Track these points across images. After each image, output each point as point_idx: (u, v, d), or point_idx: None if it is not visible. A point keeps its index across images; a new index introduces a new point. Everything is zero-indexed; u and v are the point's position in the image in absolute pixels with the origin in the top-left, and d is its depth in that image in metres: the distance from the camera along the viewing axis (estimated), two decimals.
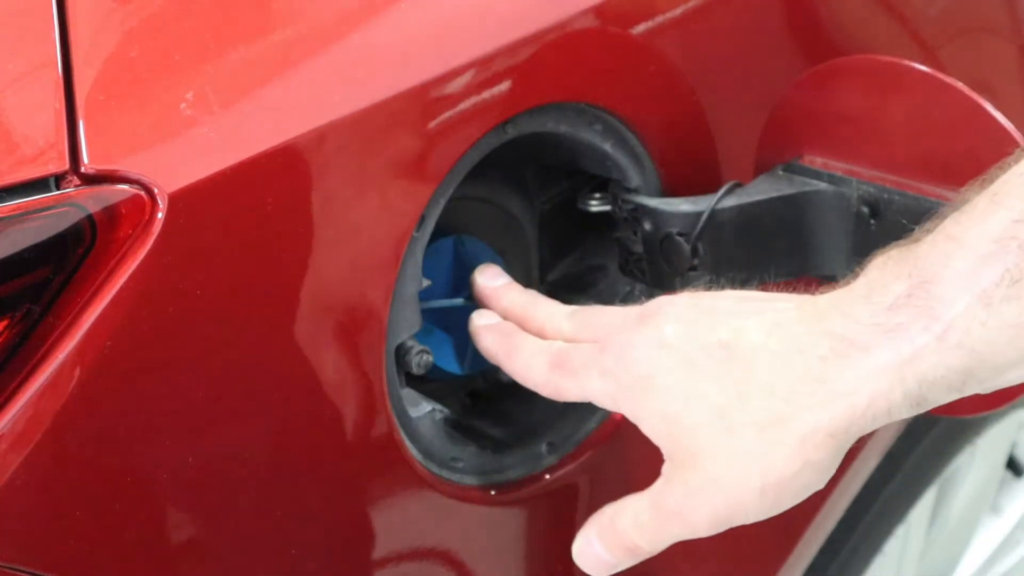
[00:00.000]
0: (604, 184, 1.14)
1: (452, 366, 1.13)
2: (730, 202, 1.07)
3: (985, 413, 1.38)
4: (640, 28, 1.07)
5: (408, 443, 1.02)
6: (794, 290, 0.96)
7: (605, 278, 1.19)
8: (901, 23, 1.28)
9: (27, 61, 0.87)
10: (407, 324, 1.00)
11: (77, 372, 0.83)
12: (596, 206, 1.14)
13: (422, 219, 0.98)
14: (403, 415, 1.02)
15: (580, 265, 1.20)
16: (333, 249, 0.92)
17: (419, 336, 1.03)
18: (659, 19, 1.08)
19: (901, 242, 0.85)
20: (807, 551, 1.33)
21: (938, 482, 1.54)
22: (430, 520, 1.05)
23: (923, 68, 1.04)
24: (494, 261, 1.15)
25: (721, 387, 0.87)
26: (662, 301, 0.94)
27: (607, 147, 1.08)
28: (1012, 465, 1.80)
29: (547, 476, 1.11)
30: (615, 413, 1.13)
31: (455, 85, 0.96)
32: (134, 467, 0.87)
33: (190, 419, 0.88)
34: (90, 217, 0.82)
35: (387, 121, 0.93)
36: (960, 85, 1.02)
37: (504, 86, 0.99)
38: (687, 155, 1.13)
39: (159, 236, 0.84)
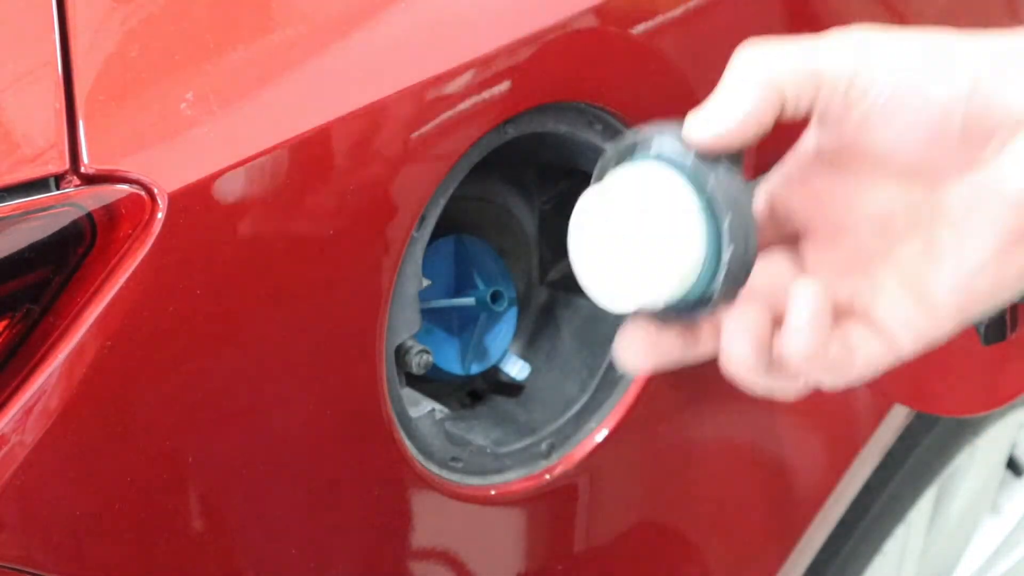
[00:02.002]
0: None
1: (452, 366, 1.13)
2: None
3: (985, 413, 1.38)
4: (640, 28, 1.07)
5: (408, 443, 1.02)
6: None
7: None
8: (901, 23, 1.28)
9: (27, 61, 0.87)
10: (407, 324, 1.00)
11: (77, 372, 0.83)
12: None
13: (422, 219, 0.98)
14: (403, 415, 1.02)
15: None
16: (333, 249, 0.92)
17: (419, 336, 1.03)
18: (659, 19, 1.08)
19: None
20: (807, 551, 1.33)
21: (938, 482, 1.54)
22: (430, 520, 1.05)
23: None
24: (494, 261, 1.15)
25: None
26: None
27: (607, 147, 1.08)
28: (1012, 465, 1.80)
29: (547, 476, 1.11)
30: (615, 411, 1.14)
31: (455, 85, 0.96)
32: (134, 467, 0.87)
33: (190, 419, 0.88)
34: (90, 217, 0.82)
35: (387, 121, 0.93)
36: None
37: (504, 86, 0.99)
38: None
39: (159, 236, 0.84)
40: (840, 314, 0.75)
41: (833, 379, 0.74)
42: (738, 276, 0.73)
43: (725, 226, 0.72)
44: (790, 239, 0.79)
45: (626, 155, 0.77)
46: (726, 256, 0.72)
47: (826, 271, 0.77)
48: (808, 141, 0.78)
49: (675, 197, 0.72)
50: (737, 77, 0.74)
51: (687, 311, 0.75)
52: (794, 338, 0.72)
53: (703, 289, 0.73)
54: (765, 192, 0.79)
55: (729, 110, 0.73)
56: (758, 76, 0.73)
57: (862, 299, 0.75)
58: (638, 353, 0.76)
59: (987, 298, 0.73)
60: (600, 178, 0.77)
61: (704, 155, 0.73)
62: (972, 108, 0.72)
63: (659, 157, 0.75)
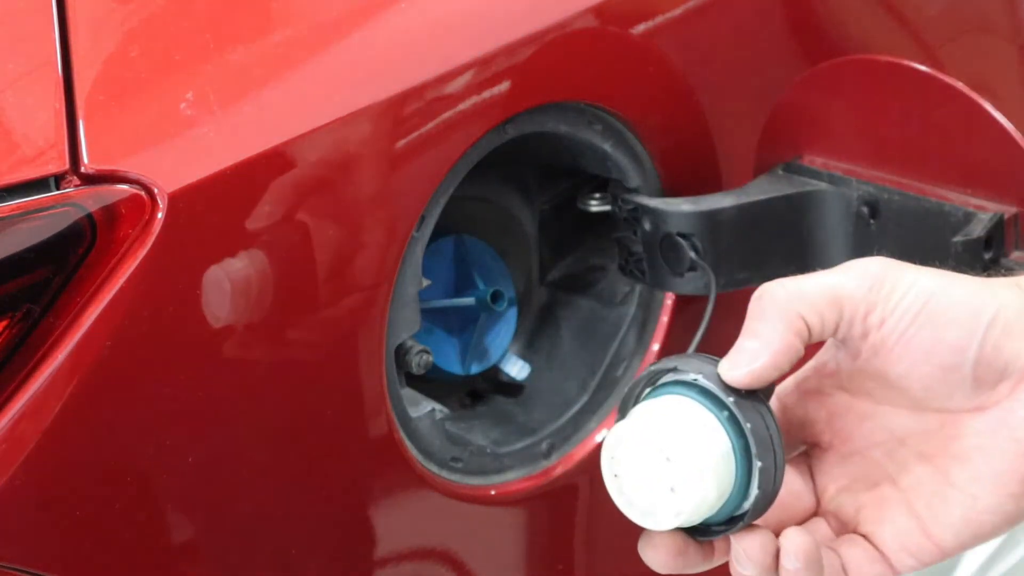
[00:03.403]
0: (604, 184, 1.14)
1: (452, 366, 1.13)
2: (729, 202, 1.07)
3: None
4: (640, 28, 1.07)
5: (408, 443, 1.02)
6: None
7: (605, 278, 1.19)
8: (901, 23, 1.28)
9: (27, 61, 0.87)
10: (407, 324, 1.00)
11: (77, 372, 0.83)
12: (596, 206, 1.14)
13: (422, 219, 0.98)
14: (403, 415, 1.02)
15: (580, 265, 1.20)
16: (333, 249, 0.92)
17: (419, 336, 1.03)
18: (659, 19, 1.08)
19: None
20: None
21: None
22: (430, 520, 1.05)
23: (923, 68, 1.04)
24: (494, 261, 1.15)
25: None
26: None
27: (607, 147, 1.08)
28: None
29: (547, 476, 1.11)
30: (615, 411, 1.13)
31: (455, 85, 0.96)
32: (134, 467, 0.87)
33: (190, 419, 0.88)
34: (90, 217, 0.82)
35: (387, 121, 0.93)
36: (960, 85, 1.02)
37: (504, 86, 0.99)
38: (687, 155, 1.13)
39: (159, 236, 0.84)
40: (842, 527, 0.80)
41: None
42: (761, 511, 0.77)
43: (755, 471, 0.75)
44: (798, 445, 0.82)
45: (661, 384, 0.79)
46: (751, 499, 0.76)
47: (835, 485, 0.80)
48: (826, 355, 0.80)
49: (710, 436, 0.75)
50: (762, 315, 0.76)
51: (709, 532, 0.78)
52: None
53: (729, 513, 0.77)
54: (779, 398, 0.82)
55: (760, 348, 0.76)
56: (782, 311, 0.76)
57: (867, 520, 0.79)
58: (662, 558, 0.79)
59: (990, 534, 0.76)
60: (634, 403, 0.79)
61: (740, 395, 0.76)
62: (983, 353, 0.75)
63: (695, 393, 0.77)
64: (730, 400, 0.76)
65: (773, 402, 0.80)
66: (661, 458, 0.75)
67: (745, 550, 0.77)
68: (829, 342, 0.80)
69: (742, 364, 0.76)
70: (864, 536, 0.79)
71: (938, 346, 0.75)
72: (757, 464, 0.75)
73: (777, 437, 0.76)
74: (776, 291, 0.77)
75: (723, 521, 0.78)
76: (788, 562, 0.76)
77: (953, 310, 0.75)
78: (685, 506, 0.75)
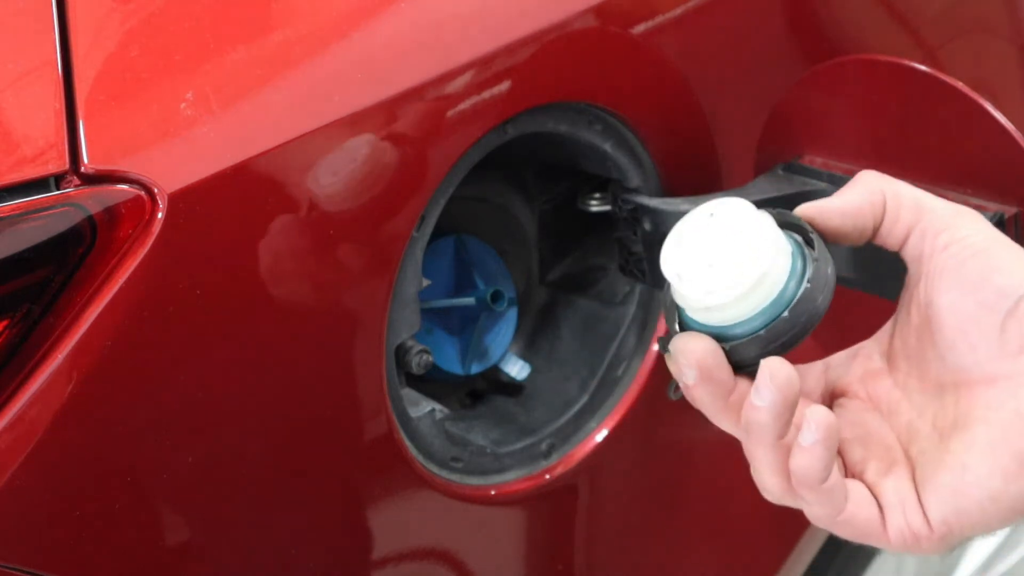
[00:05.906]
0: (604, 184, 1.14)
1: (452, 366, 1.13)
2: None
3: None
4: (640, 28, 1.07)
5: (408, 443, 1.02)
6: None
7: (605, 278, 1.19)
8: (901, 23, 1.28)
9: (27, 61, 0.87)
10: (407, 324, 1.00)
11: (77, 372, 0.83)
12: (596, 206, 1.14)
13: (422, 219, 0.98)
14: (403, 415, 1.02)
15: (580, 265, 1.21)
16: (333, 249, 0.92)
17: (419, 336, 1.03)
18: (659, 19, 1.08)
19: None
20: (807, 551, 1.33)
21: None
22: (430, 520, 1.05)
23: (923, 68, 1.04)
24: (494, 261, 1.15)
25: None
26: None
27: (607, 147, 1.08)
28: None
29: (547, 476, 1.11)
30: (615, 411, 1.14)
31: (455, 85, 0.96)
32: (134, 467, 0.87)
33: (190, 419, 0.88)
34: (90, 217, 0.82)
35: (387, 121, 0.93)
36: (960, 85, 1.02)
37: (504, 86, 0.99)
38: (687, 155, 1.13)
39: (159, 236, 0.84)
40: (850, 474, 0.81)
41: (821, 511, 0.79)
42: (801, 317, 0.79)
43: (810, 266, 0.80)
44: (828, 397, 0.86)
45: None
46: (801, 289, 0.79)
47: (851, 431, 0.82)
48: (888, 324, 0.85)
49: (774, 234, 0.80)
50: (852, 184, 0.84)
51: (743, 340, 0.80)
52: (798, 456, 0.77)
53: (766, 321, 0.79)
54: (829, 360, 0.86)
55: (834, 198, 0.83)
56: (869, 183, 0.83)
57: (872, 471, 0.80)
58: (692, 352, 0.80)
59: (975, 516, 0.76)
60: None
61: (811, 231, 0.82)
62: (1020, 309, 0.77)
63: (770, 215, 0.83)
64: (794, 220, 0.82)
65: (821, 361, 0.85)
66: (740, 234, 0.79)
67: (771, 368, 0.77)
68: (893, 318, 0.84)
69: (811, 205, 0.83)
70: (867, 486, 0.80)
71: (984, 283, 0.78)
72: (811, 263, 0.80)
73: (829, 264, 0.81)
74: (872, 173, 0.84)
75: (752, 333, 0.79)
76: (807, 433, 0.77)
77: (1011, 261, 0.79)
78: (747, 274, 0.78)
